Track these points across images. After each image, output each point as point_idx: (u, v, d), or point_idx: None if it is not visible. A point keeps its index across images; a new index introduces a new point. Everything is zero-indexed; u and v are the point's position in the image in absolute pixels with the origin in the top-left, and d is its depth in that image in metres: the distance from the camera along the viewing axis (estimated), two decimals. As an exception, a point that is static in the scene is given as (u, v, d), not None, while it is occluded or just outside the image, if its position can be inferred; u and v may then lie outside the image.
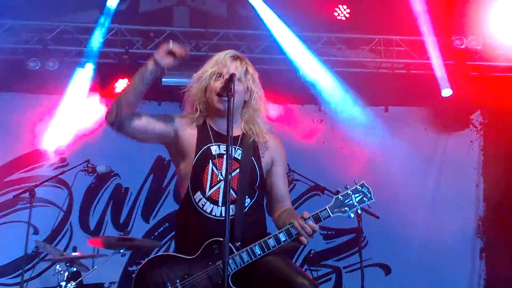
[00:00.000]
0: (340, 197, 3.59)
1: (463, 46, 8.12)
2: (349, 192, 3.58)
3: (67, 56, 8.15)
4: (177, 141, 3.79)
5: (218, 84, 3.64)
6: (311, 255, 7.81)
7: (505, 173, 7.99)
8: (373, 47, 8.55)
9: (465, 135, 8.54)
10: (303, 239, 3.43)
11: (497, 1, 7.71)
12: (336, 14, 8.52)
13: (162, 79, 7.75)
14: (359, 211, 3.67)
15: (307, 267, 7.82)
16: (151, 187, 8.06)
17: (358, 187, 3.63)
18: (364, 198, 3.58)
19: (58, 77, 8.05)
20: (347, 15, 8.50)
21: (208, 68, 3.78)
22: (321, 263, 7.93)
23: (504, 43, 7.79)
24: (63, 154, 8.03)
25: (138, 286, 3.75)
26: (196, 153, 3.73)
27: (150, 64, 3.56)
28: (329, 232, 8.01)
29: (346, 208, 3.56)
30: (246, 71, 3.86)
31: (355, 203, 3.56)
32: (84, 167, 7.53)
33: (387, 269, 7.93)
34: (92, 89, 8.24)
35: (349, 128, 8.26)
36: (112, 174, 7.96)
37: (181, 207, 3.90)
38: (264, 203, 3.97)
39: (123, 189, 8.03)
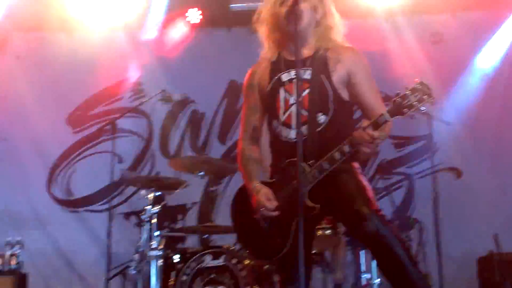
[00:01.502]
0: (398, 99, 3.39)
1: None
2: (407, 92, 3.35)
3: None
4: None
5: (284, 9, 3.68)
6: (383, 163, 7.99)
7: None
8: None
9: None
10: (364, 148, 3.51)
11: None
12: None
13: (230, 5, 7.89)
14: (421, 109, 3.41)
15: (380, 176, 7.97)
16: (226, 110, 8.19)
17: (417, 85, 3.36)
18: (424, 96, 3.32)
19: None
20: None
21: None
22: (393, 171, 8.06)
23: None
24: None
25: (234, 207, 4.08)
26: (268, 86, 3.86)
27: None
28: (400, 141, 7.96)
29: (405, 109, 3.36)
30: None
31: (414, 103, 3.33)
32: (160, 96, 7.87)
33: (458, 173, 7.86)
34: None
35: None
36: (188, 100, 8.16)
37: (271, 132, 4.02)
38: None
39: (199, 114, 8.18)
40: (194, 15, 8.08)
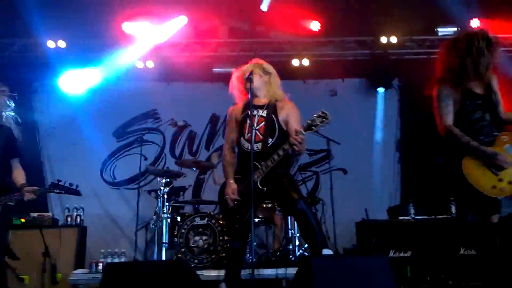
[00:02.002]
0: (309, 121, 3.67)
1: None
2: (314, 116, 3.65)
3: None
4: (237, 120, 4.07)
5: (244, 76, 4.00)
6: (301, 165, 7.98)
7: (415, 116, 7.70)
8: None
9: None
10: (295, 147, 3.65)
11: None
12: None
13: (214, 68, 7.87)
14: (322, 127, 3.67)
15: (300, 172, 7.93)
16: (209, 131, 8.22)
17: (320, 113, 3.64)
18: (324, 119, 3.61)
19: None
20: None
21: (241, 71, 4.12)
22: (307, 169, 8.07)
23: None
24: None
25: (220, 195, 4.11)
26: (240, 117, 4.03)
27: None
28: (311, 152, 7.90)
29: (313, 127, 3.64)
30: (260, 66, 4.11)
31: (318, 123, 3.60)
32: (170, 123, 8.15)
33: (344, 171, 7.94)
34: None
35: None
36: (187, 125, 8.22)
37: (238, 145, 4.10)
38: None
39: (193, 133, 8.21)
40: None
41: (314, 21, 7.54)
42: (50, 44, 7.50)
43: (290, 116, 4.01)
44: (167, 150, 8.21)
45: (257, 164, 3.82)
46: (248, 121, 3.95)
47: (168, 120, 8.20)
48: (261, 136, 3.95)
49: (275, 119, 3.99)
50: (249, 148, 3.85)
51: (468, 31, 3.65)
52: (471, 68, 3.39)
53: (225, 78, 8.03)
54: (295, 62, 7.69)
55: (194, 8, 7.48)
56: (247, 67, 4.10)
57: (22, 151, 4.16)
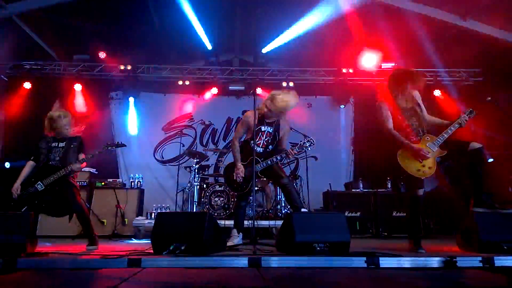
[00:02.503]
0: (301, 143, 3.85)
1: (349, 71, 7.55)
2: (305, 141, 3.84)
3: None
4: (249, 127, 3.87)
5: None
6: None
7: (364, 122, 7.64)
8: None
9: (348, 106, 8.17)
10: (289, 156, 3.79)
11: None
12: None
13: (230, 87, 7.96)
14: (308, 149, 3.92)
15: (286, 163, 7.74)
16: (226, 128, 8.10)
17: (309, 138, 3.85)
18: (311, 144, 3.83)
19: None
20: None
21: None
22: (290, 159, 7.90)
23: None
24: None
25: (226, 171, 4.12)
26: (255, 127, 3.80)
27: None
28: (293, 144, 7.77)
29: (302, 148, 3.88)
30: (266, 99, 3.90)
31: (307, 146, 3.83)
32: (200, 122, 8.11)
33: (316, 158, 7.83)
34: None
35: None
36: (211, 124, 8.13)
37: (245, 141, 4.03)
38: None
39: (215, 129, 8.12)
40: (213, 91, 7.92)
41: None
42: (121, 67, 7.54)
43: (285, 135, 4.02)
44: (197, 140, 8.12)
45: (259, 160, 3.86)
46: (259, 135, 3.92)
47: (199, 120, 8.15)
48: (265, 144, 3.95)
49: (277, 136, 3.97)
50: (256, 149, 3.85)
51: (395, 69, 3.71)
52: (397, 91, 3.45)
53: (237, 93, 8.17)
54: (284, 84, 7.65)
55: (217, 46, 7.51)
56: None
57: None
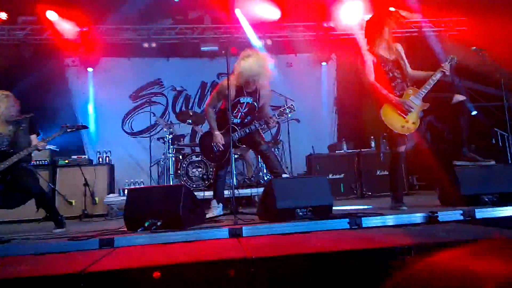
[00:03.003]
0: (281, 110, 3.89)
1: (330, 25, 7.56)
2: (286, 107, 3.90)
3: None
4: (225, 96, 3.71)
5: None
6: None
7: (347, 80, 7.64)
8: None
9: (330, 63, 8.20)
10: (270, 124, 3.86)
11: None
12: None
13: (201, 47, 7.77)
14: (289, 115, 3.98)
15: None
16: (200, 93, 8.04)
17: (290, 105, 3.94)
18: (292, 110, 3.88)
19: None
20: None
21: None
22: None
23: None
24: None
25: (201, 141, 4.17)
26: (234, 99, 3.77)
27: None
28: (274, 107, 7.75)
29: (283, 115, 3.90)
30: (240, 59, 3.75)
31: (288, 112, 3.88)
32: (171, 88, 7.96)
33: (298, 120, 7.80)
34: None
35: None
36: (183, 89, 7.98)
37: (221, 110, 4.00)
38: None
39: (188, 95, 8.04)
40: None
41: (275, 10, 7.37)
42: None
43: (266, 103, 3.98)
44: (169, 108, 8.05)
45: (236, 128, 3.87)
46: (238, 106, 3.86)
47: (169, 86, 7.99)
48: (243, 115, 3.93)
49: (256, 105, 3.91)
50: (233, 120, 3.83)
51: (373, 14, 3.65)
52: (376, 37, 3.44)
53: (210, 54, 8.01)
54: (261, 42, 7.52)
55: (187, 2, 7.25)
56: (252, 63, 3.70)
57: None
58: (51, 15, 6.89)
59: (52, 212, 3.75)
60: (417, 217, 2.73)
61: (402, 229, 2.53)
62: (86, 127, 4.00)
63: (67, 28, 7.09)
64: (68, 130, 3.85)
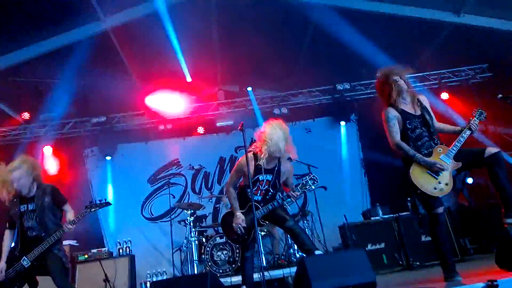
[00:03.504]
0: (303, 181, 3.77)
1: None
2: (309, 179, 3.76)
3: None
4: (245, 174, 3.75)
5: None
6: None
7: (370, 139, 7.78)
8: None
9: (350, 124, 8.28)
10: (292, 199, 3.76)
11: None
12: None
13: (217, 123, 8.07)
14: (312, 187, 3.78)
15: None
16: (219, 169, 8.16)
17: (313, 176, 3.79)
18: (315, 181, 3.77)
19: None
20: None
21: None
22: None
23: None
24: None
25: (223, 223, 4.06)
26: (253, 176, 3.75)
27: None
28: (298, 176, 7.29)
29: (306, 187, 3.76)
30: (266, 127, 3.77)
31: (311, 186, 3.76)
32: (189, 167, 8.16)
33: (325, 188, 7.65)
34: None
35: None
36: (202, 167, 8.16)
37: (240, 187, 3.99)
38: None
39: (207, 172, 8.17)
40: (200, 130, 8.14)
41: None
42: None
43: (289, 178, 3.95)
44: (189, 188, 8.13)
45: (258, 205, 3.83)
46: (257, 184, 3.83)
47: (187, 165, 8.17)
48: (263, 192, 3.89)
49: (277, 182, 3.88)
50: (254, 197, 3.78)
51: (383, 70, 3.61)
52: (391, 93, 3.41)
53: (226, 129, 8.27)
54: (276, 111, 7.75)
55: (198, 79, 7.64)
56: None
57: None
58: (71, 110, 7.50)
59: None
60: (475, 288, 2.51)
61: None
62: (109, 204, 3.95)
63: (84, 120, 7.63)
64: (93, 209, 3.78)
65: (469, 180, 5.44)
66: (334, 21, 6.33)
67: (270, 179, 3.86)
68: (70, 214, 3.75)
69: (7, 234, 3.77)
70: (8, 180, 3.60)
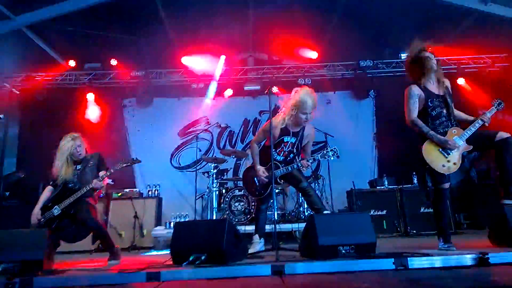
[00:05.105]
0: (324, 151, 3.78)
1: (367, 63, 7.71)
2: (330, 150, 3.76)
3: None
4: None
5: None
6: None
7: (385, 116, 7.69)
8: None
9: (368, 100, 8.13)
10: (305, 167, 3.73)
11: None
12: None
13: (245, 87, 8.02)
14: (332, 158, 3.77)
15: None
16: (243, 130, 8.18)
17: (335, 149, 3.77)
18: (335, 153, 3.76)
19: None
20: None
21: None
22: (311, 155, 8.12)
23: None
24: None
25: (245, 175, 4.15)
26: (278, 137, 3.80)
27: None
28: (314, 142, 7.47)
29: (326, 156, 3.76)
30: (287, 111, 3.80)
31: (331, 155, 3.75)
32: (216, 125, 8.16)
33: (337, 156, 7.88)
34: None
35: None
36: (227, 126, 8.19)
37: (265, 147, 3.99)
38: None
39: (232, 131, 8.19)
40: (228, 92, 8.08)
41: (313, 51, 7.61)
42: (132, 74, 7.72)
43: (309, 142, 3.95)
44: (214, 144, 8.20)
45: (279, 165, 3.85)
46: (282, 145, 3.86)
47: (215, 123, 8.19)
48: (286, 153, 3.90)
49: (299, 145, 3.90)
50: (276, 157, 3.84)
51: (416, 44, 3.47)
52: (422, 69, 3.32)
53: (253, 93, 8.20)
54: (301, 81, 7.59)
55: (231, 46, 7.54)
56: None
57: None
58: (113, 61, 7.57)
59: (108, 244, 3.82)
60: (467, 259, 2.52)
61: (451, 272, 2.34)
62: (139, 161, 4.10)
63: (125, 72, 7.68)
64: (124, 165, 3.95)
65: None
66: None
67: (294, 142, 3.87)
68: (101, 173, 3.94)
69: (48, 188, 3.95)
70: (75, 144, 3.94)
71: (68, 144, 3.92)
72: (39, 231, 3.34)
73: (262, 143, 4.08)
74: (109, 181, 6.51)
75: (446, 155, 3.16)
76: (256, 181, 3.96)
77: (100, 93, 7.82)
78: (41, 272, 2.91)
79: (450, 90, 3.41)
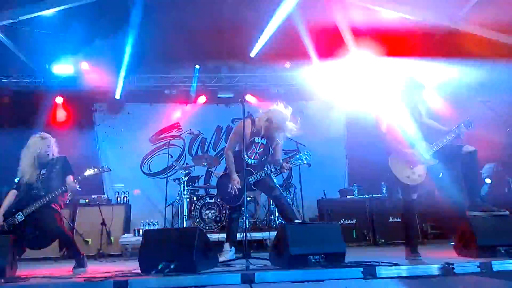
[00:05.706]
0: (297, 156, 3.88)
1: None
2: (303, 156, 3.86)
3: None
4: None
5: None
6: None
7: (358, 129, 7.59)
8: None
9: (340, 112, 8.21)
10: (283, 169, 3.78)
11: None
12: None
13: (218, 95, 7.96)
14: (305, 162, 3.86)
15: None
16: (216, 137, 8.13)
17: (306, 151, 3.93)
18: (307, 157, 3.86)
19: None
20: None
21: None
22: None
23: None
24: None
25: (219, 183, 4.14)
26: (249, 139, 3.87)
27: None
28: (287, 151, 7.21)
29: (299, 161, 3.85)
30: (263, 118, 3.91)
31: (304, 161, 3.86)
32: (188, 132, 8.01)
33: (309, 165, 7.75)
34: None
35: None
36: (200, 133, 8.09)
37: (237, 153, 3.97)
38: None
39: (204, 138, 8.14)
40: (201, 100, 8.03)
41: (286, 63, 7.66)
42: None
43: (279, 145, 4.00)
44: (186, 151, 8.11)
45: (252, 171, 3.85)
46: (253, 147, 3.90)
47: (187, 130, 8.07)
48: (258, 156, 3.93)
49: (270, 148, 3.96)
50: (248, 161, 3.86)
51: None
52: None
53: (226, 101, 8.16)
54: (274, 90, 7.67)
55: (205, 53, 7.49)
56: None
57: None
58: (85, 65, 7.32)
59: (74, 252, 3.70)
60: (433, 268, 2.58)
61: (418, 281, 2.38)
62: (109, 170, 3.99)
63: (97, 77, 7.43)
64: (92, 173, 3.83)
65: (487, 180, 5.52)
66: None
67: (264, 143, 3.93)
68: (69, 178, 3.78)
69: (12, 192, 3.79)
70: (44, 144, 3.80)
71: (38, 144, 3.77)
72: (2, 237, 3.21)
73: (236, 148, 4.07)
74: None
75: (411, 167, 3.25)
76: (231, 189, 3.93)
77: (70, 97, 7.58)
78: (3, 280, 2.83)
79: (422, 99, 3.49)
